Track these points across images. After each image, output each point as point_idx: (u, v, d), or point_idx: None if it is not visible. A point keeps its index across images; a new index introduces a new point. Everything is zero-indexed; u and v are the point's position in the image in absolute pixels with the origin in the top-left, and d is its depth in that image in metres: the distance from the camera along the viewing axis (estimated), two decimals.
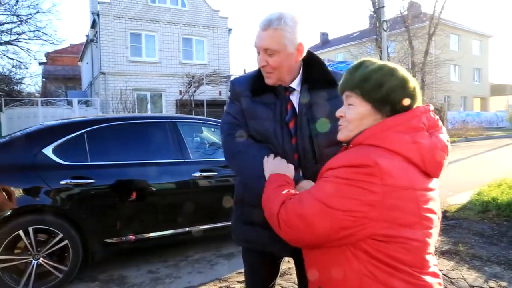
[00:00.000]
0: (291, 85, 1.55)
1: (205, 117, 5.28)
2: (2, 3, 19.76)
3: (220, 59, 21.91)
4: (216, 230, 3.79)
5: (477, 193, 5.87)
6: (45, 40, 21.05)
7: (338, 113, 1.19)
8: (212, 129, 4.34)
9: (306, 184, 1.39)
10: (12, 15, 20.21)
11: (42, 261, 3.04)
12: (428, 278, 1.04)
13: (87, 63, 25.69)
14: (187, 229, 3.64)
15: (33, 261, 3.01)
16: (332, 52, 37.06)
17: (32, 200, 3.04)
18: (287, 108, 1.54)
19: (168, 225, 3.59)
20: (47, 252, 3.06)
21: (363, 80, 1.11)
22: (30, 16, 20.39)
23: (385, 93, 1.08)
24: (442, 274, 3.31)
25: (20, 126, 14.41)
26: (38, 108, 17.78)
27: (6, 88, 24.01)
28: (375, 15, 21.67)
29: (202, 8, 21.74)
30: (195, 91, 19.09)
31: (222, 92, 20.83)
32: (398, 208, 0.98)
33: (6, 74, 23.55)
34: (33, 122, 13.31)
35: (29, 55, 22.05)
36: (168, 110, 20.45)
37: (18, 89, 26.08)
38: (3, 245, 2.90)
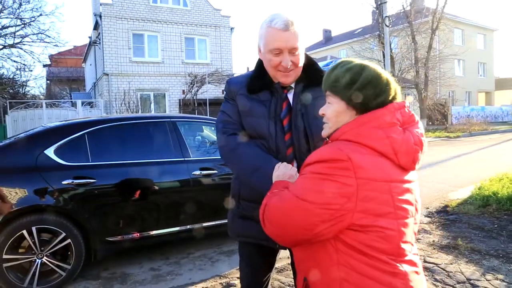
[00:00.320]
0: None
1: (204, 116, 5.32)
2: (6, 6, 19.96)
3: (222, 58, 21.97)
4: (217, 228, 3.84)
5: (478, 188, 5.88)
6: (48, 43, 21.29)
7: (320, 111, 1.26)
8: (212, 128, 4.39)
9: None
10: (16, 18, 20.41)
11: (46, 260, 3.10)
12: (404, 266, 1.08)
13: (90, 65, 25.84)
14: (188, 226, 3.70)
15: (37, 260, 3.08)
16: (335, 49, 36.98)
17: (35, 200, 3.10)
18: (282, 106, 1.60)
19: (169, 223, 3.64)
20: (50, 251, 3.12)
21: (337, 80, 1.18)
22: (33, 19, 20.59)
23: (356, 91, 1.14)
24: (440, 268, 3.35)
25: (25, 128, 14.57)
26: (42, 110, 17.95)
27: (11, 90, 24.23)
28: (377, 11, 21.62)
29: (204, 7, 21.78)
30: (197, 90, 19.15)
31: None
32: (372, 199, 1.04)
33: (11, 77, 23.78)
34: (38, 124, 13.44)
35: (33, 57, 22.34)
36: (171, 109, 20.54)
37: (23, 91, 26.32)
38: (8, 244, 2.97)
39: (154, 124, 3.93)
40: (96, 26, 20.74)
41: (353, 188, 1.02)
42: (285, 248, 1.70)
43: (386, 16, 15.42)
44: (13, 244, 3.01)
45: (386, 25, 15.25)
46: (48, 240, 3.13)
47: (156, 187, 3.56)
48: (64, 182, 3.17)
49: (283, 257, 3.47)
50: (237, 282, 3.27)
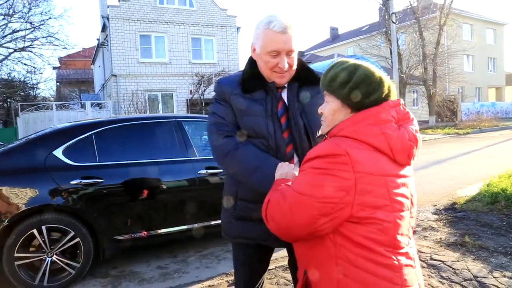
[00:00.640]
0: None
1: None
2: (16, 11, 20.27)
3: (229, 58, 22.04)
4: None
5: (487, 185, 5.82)
6: (57, 45, 21.60)
7: (319, 110, 1.31)
8: None
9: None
10: (26, 22, 20.73)
11: (56, 258, 3.17)
12: (400, 259, 1.12)
13: (99, 66, 26.11)
14: (195, 225, 3.74)
15: (47, 258, 3.14)
16: (342, 47, 36.81)
17: (45, 200, 3.16)
18: (278, 104, 1.62)
19: (175, 222, 3.68)
20: (60, 249, 3.19)
21: (332, 79, 1.23)
22: (42, 22, 20.94)
23: (349, 90, 1.19)
24: (446, 265, 3.33)
25: (36, 130, 14.77)
26: (52, 112, 18.22)
27: (22, 93, 24.60)
28: (384, 8, 21.48)
29: (210, 7, 21.86)
30: (205, 90, 19.24)
31: None
32: (369, 192, 1.08)
33: (22, 79, 24.14)
34: (48, 126, 13.63)
35: (42, 60, 22.64)
36: (179, 109, 20.67)
37: (34, 94, 26.70)
38: (19, 243, 3.05)
39: (160, 124, 3.98)
40: (104, 28, 20.96)
41: (351, 182, 1.07)
42: (283, 247, 1.71)
43: (393, 13, 15.32)
44: (24, 243, 3.08)
45: (393, 22, 15.15)
46: (58, 239, 3.20)
47: (162, 186, 3.60)
48: (72, 182, 3.23)
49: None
50: None
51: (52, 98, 32.79)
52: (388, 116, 1.17)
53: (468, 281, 3.03)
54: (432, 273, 3.23)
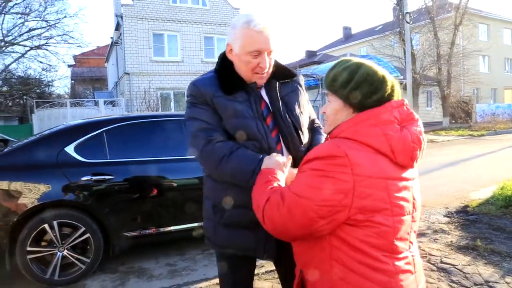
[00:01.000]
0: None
1: None
2: (32, 10, 20.66)
3: None
4: None
5: (501, 188, 5.71)
6: (72, 43, 22.00)
7: (322, 109, 1.30)
8: None
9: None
10: (41, 20, 21.12)
11: (66, 253, 3.22)
12: (397, 264, 1.09)
13: (112, 64, 26.42)
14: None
15: (58, 253, 3.20)
16: (355, 47, 36.52)
17: (56, 196, 3.22)
18: (261, 105, 1.59)
19: (185, 219, 3.70)
20: (70, 244, 3.24)
21: (334, 79, 1.21)
22: (58, 21, 21.33)
23: (351, 89, 1.17)
24: (457, 269, 3.28)
25: (50, 127, 15.03)
26: (67, 109, 18.52)
27: (37, 90, 25.06)
28: (398, 7, 21.24)
29: (223, 6, 21.93)
30: None
31: None
32: (368, 195, 1.05)
33: (37, 77, 24.59)
34: (62, 123, 13.84)
35: (57, 58, 23.05)
36: None
37: (49, 91, 27.17)
38: (31, 237, 3.11)
39: (170, 122, 4.00)
40: (118, 27, 21.19)
41: (350, 185, 1.04)
42: (272, 260, 1.66)
43: (407, 12, 15.14)
44: (36, 237, 3.15)
45: (407, 22, 14.97)
46: (69, 234, 3.25)
47: (172, 184, 3.63)
48: (83, 179, 3.28)
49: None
50: None
51: (66, 96, 33.33)
52: (390, 117, 1.14)
53: (479, 286, 2.98)
54: (442, 276, 3.18)
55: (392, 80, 1.19)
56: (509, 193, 5.26)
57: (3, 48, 20.61)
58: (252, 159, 1.46)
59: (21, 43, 21.11)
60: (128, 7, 19.84)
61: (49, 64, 23.55)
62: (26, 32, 20.98)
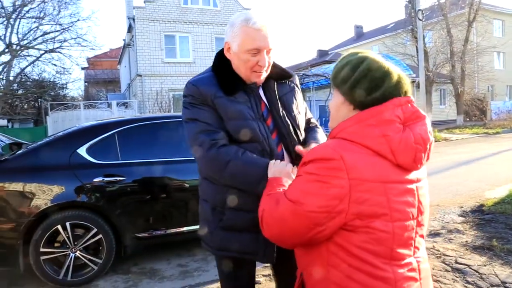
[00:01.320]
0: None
1: None
2: (47, 14, 21.02)
3: None
4: None
5: None
6: (85, 46, 22.25)
7: (329, 103, 1.26)
8: None
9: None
10: (56, 24, 21.47)
11: (79, 254, 3.26)
12: (398, 270, 1.04)
13: (125, 66, 26.71)
14: None
15: (71, 254, 3.23)
16: (367, 45, 36.13)
17: (69, 197, 3.25)
18: (261, 106, 1.56)
19: (197, 220, 3.68)
20: (83, 245, 3.27)
21: (336, 74, 1.16)
22: (71, 24, 21.62)
23: (350, 85, 1.11)
24: (472, 269, 3.22)
25: (64, 129, 15.28)
26: (80, 111, 18.79)
27: (52, 93, 25.48)
28: (410, 5, 20.98)
29: (234, 7, 21.97)
30: None
31: None
32: (366, 200, 1.00)
33: (52, 80, 25.02)
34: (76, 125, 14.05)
35: (71, 61, 23.40)
36: None
37: (63, 94, 27.60)
38: (44, 238, 3.15)
39: (181, 123, 4.00)
40: (130, 29, 21.42)
41: (345, 190, 0.99)
42: (272, 263, 1.63)
43: (419, 10, 14.95)
44: (49, 238, 3.18)
45: (419, 19, 14.78)
46: (81, 235, 3.28)
47: (184, 185, 3.63)
48: (95, 180, 3.31)
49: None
50: (262, 279, 3.29)
51: (80, 98, 33.80)
52: (392, 116, 1.06)
53: (495, 287, 2.91)
54: (457, 277, 3.12)
55: (398, 74, 1.11)
56: None
57: (19, 52, 21.01)
58: (258, 166, 1.43)
59: (36, 47, 21.49)
60: (140, 9, 20.04)
61: (63, 67, 23.94)
62: (41, 35, 21.35)
